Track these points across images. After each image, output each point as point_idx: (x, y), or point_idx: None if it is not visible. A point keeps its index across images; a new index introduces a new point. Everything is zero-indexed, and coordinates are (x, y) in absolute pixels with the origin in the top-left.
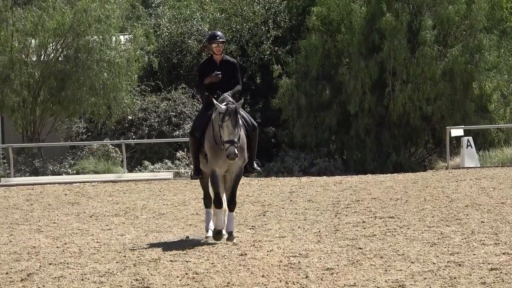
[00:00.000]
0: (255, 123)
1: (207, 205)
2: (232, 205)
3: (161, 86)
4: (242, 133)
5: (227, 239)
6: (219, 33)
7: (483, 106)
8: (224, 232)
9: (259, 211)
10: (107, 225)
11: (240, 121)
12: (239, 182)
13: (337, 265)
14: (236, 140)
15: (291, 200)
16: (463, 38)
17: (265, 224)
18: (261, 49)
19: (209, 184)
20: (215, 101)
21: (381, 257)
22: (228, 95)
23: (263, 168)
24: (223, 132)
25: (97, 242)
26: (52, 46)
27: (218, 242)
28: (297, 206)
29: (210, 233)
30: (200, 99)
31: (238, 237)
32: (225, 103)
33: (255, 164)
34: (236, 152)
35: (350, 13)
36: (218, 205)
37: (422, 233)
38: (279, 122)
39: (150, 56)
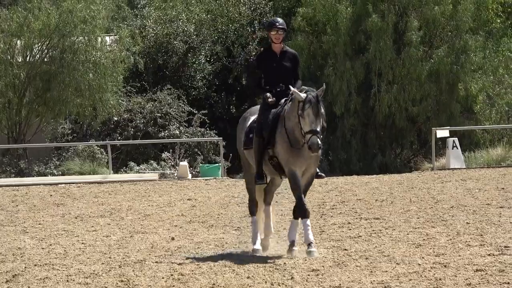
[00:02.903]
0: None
1: (253, 212)
2: (303, 212)
3: (147, 87)
4: None
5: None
6: (279, 19)
7: (469, 107)
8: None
9: (245, 212)
10: (92, 226)
11: (322, 110)
12: (309, 189)
13: (323, 266)
14: (318, 130)
15: (276, 201)
16: (448, 39)
17: (251, 225)
18: (247, 50)
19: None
20: (293, 88)
21: (367, 258)
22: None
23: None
24: (303, 122)
25: (82, 243)
26: (38, 47)
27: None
28: (282, 207)
29: (258, 245)
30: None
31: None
32: (304, 91)
33: (317, 169)
34: (320, 143)
35: (336, 14)
36: (303, 212)
37: (408, 234)
38: None
39: (136, 57)
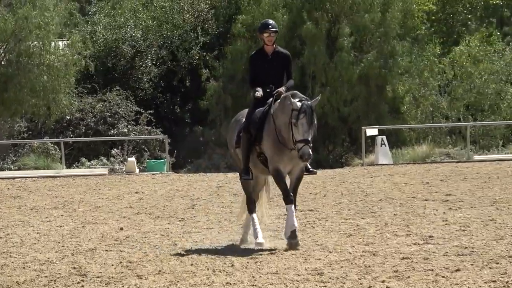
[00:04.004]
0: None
1: (251, 210)
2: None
3: (97, 88)
4: None
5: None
6: (271, 21)
7: (396, 107)
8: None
9: (188, 205)
10: (46, 217)
11: (315, 120)
12: (300, 184)
13: (261, 255)
14: (309, 139)
15: (218, 194)
16: (378, 44)
17: (194, 216)
18: (190, 54)
19: (251, 186)
20: (290, 97)
21: (301, 247)
22: (283, 90)
23: (193, 165)
24: (296, 131)
25: (37, 233)
26: None
27: (297, 245)
28: (223, 200)
29: (261, 239)
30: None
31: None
32: (298, 99)
33: (309, 165)
34: (311, 153)
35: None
36: (289, 202)
37: (339, 225)
38: (207, 122)
39: (87, 61)
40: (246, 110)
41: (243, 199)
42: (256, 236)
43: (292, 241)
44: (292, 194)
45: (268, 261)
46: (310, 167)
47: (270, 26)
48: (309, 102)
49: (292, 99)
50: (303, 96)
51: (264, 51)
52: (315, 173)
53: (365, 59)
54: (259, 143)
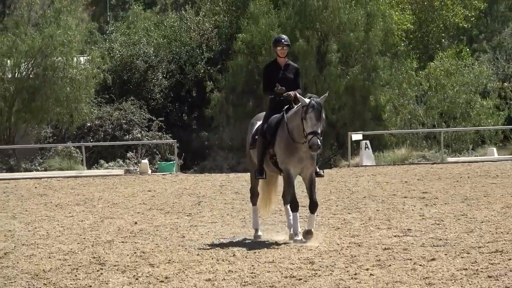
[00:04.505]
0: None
1: (254, 202)
2: (313, 207)
3: (114, 98)
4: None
5: (305, 236)
6: (284, 36)
7: (378, 115)
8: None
9: (195, 201)
10: (69, 213)
11: (323, 115)
12: (315, 186)
13: (259, 246)
14: (319, 131)
15: (221, 192)
16: (362, 59)
17: (200, 212)
18: (196, 68)
19: (260, 184)
20: (298, 94)
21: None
22: (292, 93)
23: (199, 166)
24: (306, 124)
25: (61, 226)
26: (24, 65)
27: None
28: (226, 197)
29: (259, 232)
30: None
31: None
32: (308, 97)
33: (317, 168)
34: (319, 143)
35: (269, 39)
36: (295, 208)
37: (328, 219)
38: (211, 128)
39: (105, 74)
40: (261, 114)
41: (261, 196)
42: (255, 229)
43: (296, 238)
44: (298, 202)
45: (265, 252)
46: (318, 170)
47: (283, 40)
48: (318, 99)
49: (300, 97)
50: (312, 94)
51: (277, 62)
52: (322, 176)
53: (350, 73)
54: (273, 146)
